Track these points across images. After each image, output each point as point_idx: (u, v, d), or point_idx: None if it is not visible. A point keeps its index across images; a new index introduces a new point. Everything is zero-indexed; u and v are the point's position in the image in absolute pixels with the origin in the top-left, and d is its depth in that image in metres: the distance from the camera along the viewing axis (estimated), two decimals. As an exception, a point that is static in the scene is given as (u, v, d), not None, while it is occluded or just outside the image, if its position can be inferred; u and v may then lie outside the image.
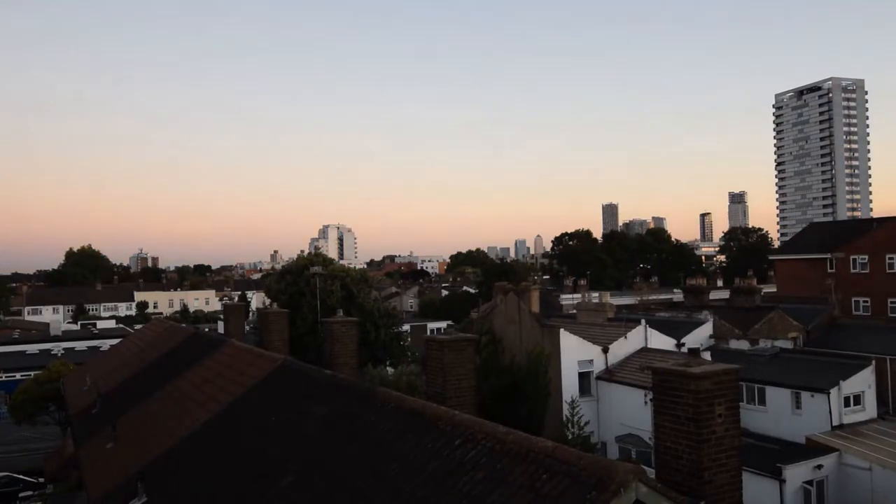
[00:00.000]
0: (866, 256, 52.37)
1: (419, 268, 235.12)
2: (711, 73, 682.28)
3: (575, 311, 43.34)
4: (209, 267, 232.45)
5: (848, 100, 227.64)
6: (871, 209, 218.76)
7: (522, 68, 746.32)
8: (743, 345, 32.71)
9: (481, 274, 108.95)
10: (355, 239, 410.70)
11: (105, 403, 21.17)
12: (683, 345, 32.14)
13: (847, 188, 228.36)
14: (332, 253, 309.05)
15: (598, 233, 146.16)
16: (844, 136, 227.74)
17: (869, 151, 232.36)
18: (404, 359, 37.89)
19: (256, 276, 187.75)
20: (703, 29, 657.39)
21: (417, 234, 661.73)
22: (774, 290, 66.10)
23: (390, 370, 36.91)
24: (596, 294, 54.17)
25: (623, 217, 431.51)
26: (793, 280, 60.80)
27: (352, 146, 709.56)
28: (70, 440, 25.39)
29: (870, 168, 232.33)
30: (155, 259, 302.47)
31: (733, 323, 36.39)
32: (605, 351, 30.98)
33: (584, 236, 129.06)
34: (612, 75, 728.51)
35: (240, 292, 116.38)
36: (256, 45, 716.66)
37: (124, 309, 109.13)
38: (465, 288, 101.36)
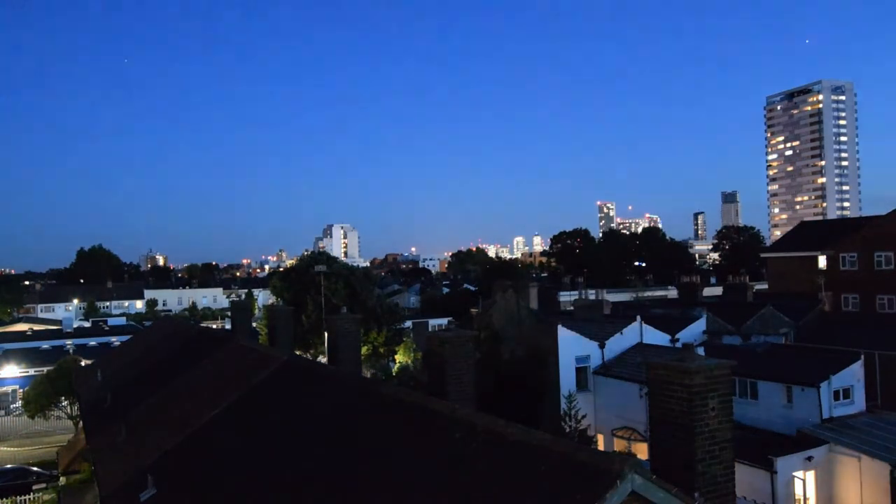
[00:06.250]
0: (855, 254, 53.04)
1: (421, 266, 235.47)
2: (705, 76, 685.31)
3: (572, 308, 43.90)
4: (216, 265, 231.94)
5: (837, 101, 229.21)
6: (860, 208, 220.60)
7: (520, 69, 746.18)
8: (735, 340, 33.08)
9: (481, 272, 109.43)
10: (359, 237, 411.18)
11: (116, 398, 21.25)
12: (678, 340, 32.57)
13: (836, 187, 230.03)
14: (336, 251, 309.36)
15: (595, 232, 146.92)
16: (834, 137, 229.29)
17: (858, 152, 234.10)
18: (406, 353, 38.37)
19: (263, 274, 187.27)
20: (697, 32, 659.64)
21: (419, 233, 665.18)
22: (766, 287, 66.87)
23: (393, 365, 37.54)
24: (593, 291, 54.84)
25: (619, 216, 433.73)
26: (784, 277, 61.56)
27: (355, 147, 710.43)
28: (82, 434, 25.78)
29: (859, 168, 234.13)
30: (164, 258, 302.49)
31: (726, 319, 36.91)
32: (602, 346, 31.36)
33: (581, 235, 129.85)
34: (609, 76, 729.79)
35: (246, 290, 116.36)
36: (260, 47, 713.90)
37: (134, 306, 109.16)
38: (465, 285, 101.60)
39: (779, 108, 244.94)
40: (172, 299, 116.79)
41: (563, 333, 30.85)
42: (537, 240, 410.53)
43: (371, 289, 42.24)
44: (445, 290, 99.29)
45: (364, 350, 35.38)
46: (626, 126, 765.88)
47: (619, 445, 28.78)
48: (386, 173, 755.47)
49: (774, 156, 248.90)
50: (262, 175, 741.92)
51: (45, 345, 53.16)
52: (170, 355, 23.66)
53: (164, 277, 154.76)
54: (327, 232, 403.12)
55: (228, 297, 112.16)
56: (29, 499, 26.80)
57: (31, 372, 43.70)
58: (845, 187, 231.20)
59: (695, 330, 34.18)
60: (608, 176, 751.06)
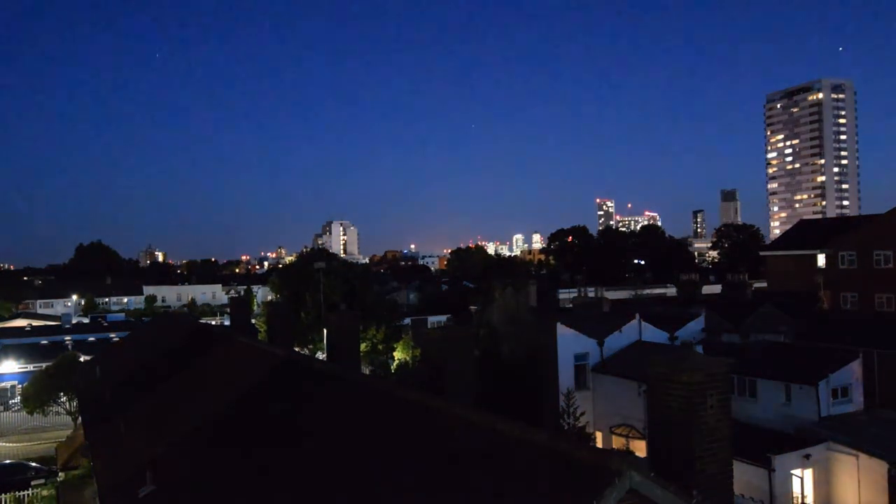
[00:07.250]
0: (854, 253, 53.05)
1: (420, 263, 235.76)
2: (705, 74, 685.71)
3: (571, 306, 43.95)
4: (215, 261, 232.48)
5: (837, 100, 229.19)
6: (860, 207, 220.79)
7: (520, 68, 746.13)
8: (734, 338, 33.12)
9: (480, 269, 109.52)
10: (358, 234, 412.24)
11: (115, 394, 21.21)
12: (677, 338, 32.64)
13: (836, 186, 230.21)
14: (336, 248, 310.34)
15: (594, 229, 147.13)
16: (834, 136, 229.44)
17: (857, 150, 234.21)
18: (405, 351, 38.32)
19: (262, 271, 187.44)
20: (697, 30, 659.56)
21: (418, 230, 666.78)
22: (765, 285, 66.93)
23: (391, 362, 37.54)
24: (592, 289, 54.85)
25: (618, 214, 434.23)
26: (783, 276, 61.66)
27: (355, 145, 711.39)
28: (81, 430, 25.78)
29: (858, 166, 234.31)
30: (163, 254, 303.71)
31: (725, 317, 36.92)
32: (601, 344, 31.41)
33: (580, 233, 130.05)
34: (608, 75, 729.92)
35: (245, 286, 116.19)
36: (263, 45, 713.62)
37: (133, 302, 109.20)
38: (464, 283, 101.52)
39: (778, 106, 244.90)
40: (171, 295, 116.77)
41: (562, 331, 30.88)
42: (536, 237, 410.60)
43: (370, 286, 42.24)
44: (444, 287, 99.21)
45: (363, 347, 35.37)
46: (626, 123, 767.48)
47: (617, 443, 28.83)
48: (385, 170, 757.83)
49: (774, 154, 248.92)
50: (262, 171, 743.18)
51: (44, 340, 53.36)
52: (168, 352, 23.62)
53: (163, 273, 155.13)
54: (326, 228, 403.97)
55: (227, 293, 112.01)
56: (27, 494, 26.78)
57: (30, 367, 43.80)
58: (845, 186, 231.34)
59: (694, 328, 34.24)
60: (607, 173, 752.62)
